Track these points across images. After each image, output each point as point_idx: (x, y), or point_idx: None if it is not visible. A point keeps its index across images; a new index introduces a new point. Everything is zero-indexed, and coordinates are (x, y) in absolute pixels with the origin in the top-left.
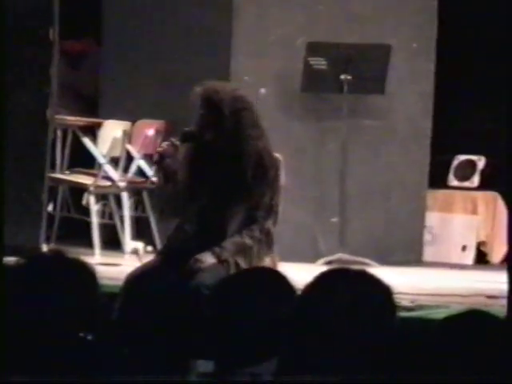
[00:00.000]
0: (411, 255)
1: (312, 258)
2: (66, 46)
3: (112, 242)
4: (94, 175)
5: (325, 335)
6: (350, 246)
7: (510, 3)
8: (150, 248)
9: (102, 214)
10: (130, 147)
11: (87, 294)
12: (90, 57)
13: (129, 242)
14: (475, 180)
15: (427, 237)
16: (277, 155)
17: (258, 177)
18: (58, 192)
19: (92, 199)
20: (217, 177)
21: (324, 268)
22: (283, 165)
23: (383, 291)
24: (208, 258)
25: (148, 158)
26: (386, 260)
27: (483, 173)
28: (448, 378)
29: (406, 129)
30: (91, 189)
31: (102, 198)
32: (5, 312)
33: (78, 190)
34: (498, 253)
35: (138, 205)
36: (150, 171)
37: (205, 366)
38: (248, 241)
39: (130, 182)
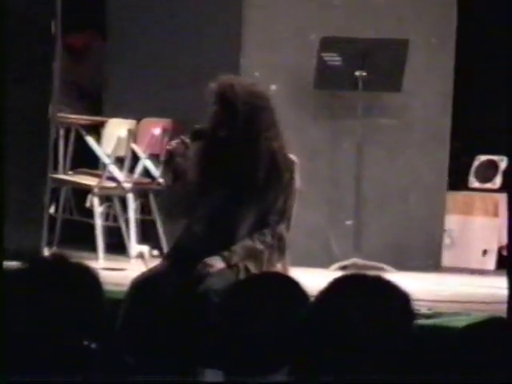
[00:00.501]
0: (429, 260)
1: (325, 263)
2: (68, 39)
3: (116, 246)
4: (98, 176)
5: (339, 344)
6: (366, 251)
7: None
8: (156, 252)
9: (107, 217)
10: (135, 147)
11: (90, 301)
12: (93, 51)
13: (134, 246)
14: (497, 181)
15: (446, 241)
16: (292, 157)
17: (271, 179)
18: (61, 193)
19: (96, 201)
20: (228, 177)
21: (338, 273)
22: (298, 167)
23: (401, 298)
24: (217, 263)
25: (154, 157)
26: (403, 265)
27: (505, 174)
28: None
29: (425, 128)
30: (95, 190)
31: (106, 199)
32: (5, 319)
33: (82, 192)
34: None
35: (143, 207)
36: (156, 172)
37: (213, 375)
38: (259, 246)
39: (135, 183)
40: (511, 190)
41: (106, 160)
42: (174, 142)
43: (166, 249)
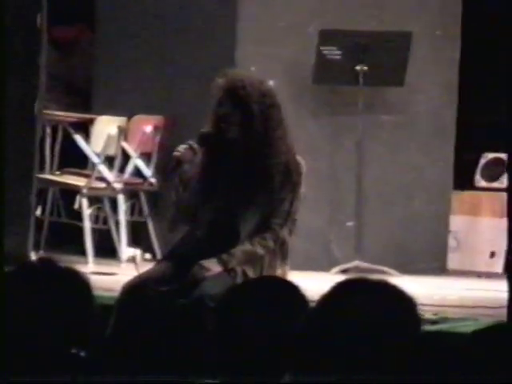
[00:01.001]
0: (434, 263)
1: (326, 267)
2: (55, 32)
3: (107, 250)
4: (87, 176)
5: (342, 351)
6: (368, 253)
7: None
8: (148, 255)
9: (96, 219)
10: (126, 145)
11: (80, 307)
12: (81, 45)
13: (125, 249)
14: (505, 180)
15: (452, 243)
16: (300, 159)
17: (281, 181)
18: (48, 194)
19: (85, 202)
20: (235, 180)
21: (339, 277)
22: (305, 170)
23: (406, 303)
24: (213, 266)
25: (146, 156)
26: (406, 268)
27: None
28: None
29: (428, 124)
30: (84, 191)
31: (95, 200)
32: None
33: (70, 193)
34: None
35: (134, 208)
36: (148, 171)
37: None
38: (259, 250)
39: (126, 184)
40: (511, 190)
41: (95, 159)
42: (181, 148)
43: (158, 252)
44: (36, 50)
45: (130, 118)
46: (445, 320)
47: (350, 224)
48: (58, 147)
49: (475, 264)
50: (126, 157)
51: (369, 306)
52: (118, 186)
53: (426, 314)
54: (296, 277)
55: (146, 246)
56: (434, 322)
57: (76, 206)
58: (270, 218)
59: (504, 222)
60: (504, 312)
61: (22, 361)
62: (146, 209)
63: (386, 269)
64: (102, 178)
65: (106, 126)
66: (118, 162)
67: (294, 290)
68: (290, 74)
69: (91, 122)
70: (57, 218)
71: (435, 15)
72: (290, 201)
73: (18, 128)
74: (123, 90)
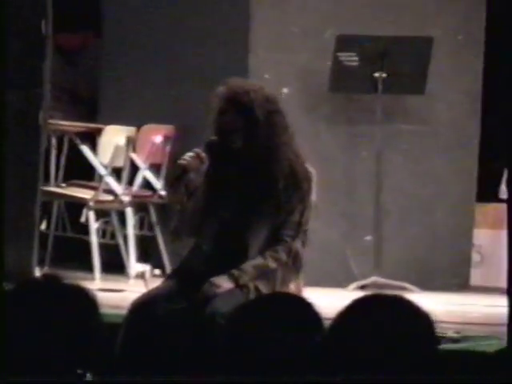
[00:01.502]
0: (457, 279)
1: (343, 283)
2: (60, 40)
3: (114, 265)
4: (94, 188)
5: (357, 368)
6: (387, 269)
7: None
8: (157, 271)
9: (103, 233)
10: (134, 156)
11: (86, 325)
12: (88, 52)
13: (134, 265)
14: None
15: (475, 257)
16: (309, 167)
17: (289, 190)
18: (53, 208)
19: (91, 216)
20: (242, 190)
21: (357, 294)
22: (316, 178)
23: (422, 320)
24: (224, 282)
25: (155, 168)
26: (427, 284)
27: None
28: None
29: (451, 134)
30: (90, 204)
31: (102, 214)
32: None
33: (76, 206)
34: None
35: (143, 222)
36: (157, 183)
37: None
38: (272, 264)
39: (134, 196)
40: (511, 203)
41: (102, 171)
42: (188, 156)
43: (168, 268)
44: (41, 57)
45: (138, 127)
46: (467, 338)
47: (367, 238)
48: (63, 158)
49: (500, 280)
50: (134, 168)
51: (384, 322)
52: (126, 198)
53: (448, 332)
54: (311, 293)
55: (156, 262)
56: (455, 341)
57: (82, 219)
58: (281, 230)
59: None
60: None
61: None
62: (155, 222)
63: (405, 285)
64: (109, 191)
65: (113, 136)
66: (126, 174)
67: (308, 307)
68: (304, 81)
69: (98, 132)
70: (62, 232)
71: (457, 19)
72: (301, 211)
73: (22, 138)
74: (131, 99)
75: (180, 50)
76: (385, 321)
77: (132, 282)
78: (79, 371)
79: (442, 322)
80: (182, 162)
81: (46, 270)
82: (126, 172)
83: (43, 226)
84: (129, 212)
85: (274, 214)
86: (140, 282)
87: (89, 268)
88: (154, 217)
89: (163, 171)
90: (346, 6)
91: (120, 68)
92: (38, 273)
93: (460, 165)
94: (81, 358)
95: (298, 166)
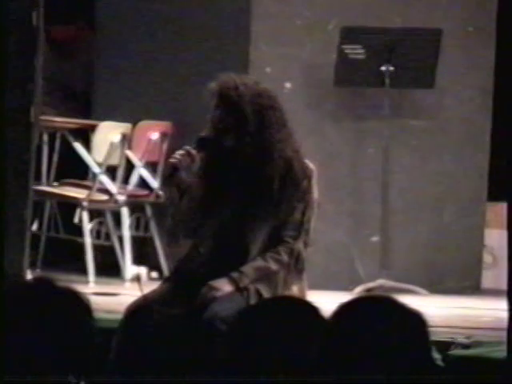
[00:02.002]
0: (467, 281)
1: (348, 285)
2: (52, 32)
3: (109, 268)
4: (88, 187)
5: (349, 373)
6: (394, 271)
7: None
8: (154, 274)
9: (98, 234)
10: (130, 154)
11: (79, 330)
12: (81, 45)
13: (129, 267)
14: None
15: (487, 259)
16: (309, 163)
17: (287, 189)
18: (45, 208)
19: (85, 216)
20: (238, 189)
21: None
22: (316, 174)
23: (414, 323)
24: (224, 286)
25: (152, 166)
26: (436, 287)
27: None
28: None
29: (461, 130)
30: (84, 204)
31: (97, 214)
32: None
33: (69, 206)
34: None
35: (139, 222)
36: (154, 182)
37: None
38: (273, 266)
39: (130, 196)
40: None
41: (96, 169)
42: (178, 154)
43: (165, 270)
44: (32, 50)
45: (134, 124)
46: (479, 344)
47: (374, 239)
48: (56, 156)
49: None
50: (130, 166)
51: (373, 326)
52: (121, 198)
53: (459, 337)
54: (315, 297)
55: (153, 264)
56: (466, 347)
57: (76, 220)
58: (282, 230)
59: None
60: None
61: None
62: (152, 223)
63: (414, 288)
64: (103, 190)
65: (108, 133)
66: (121, 172)
67: (312, 311)
68: (308, 75)
69: (92, 128)
70: (55, 233)
71: (467, 10)
72: (302, 210)
73: (13, 135)
74: (127, 94)
75: (178, 43)
76: (374, 324)
77: (127, 285)
78: (72, 379)
79: (452, 326)
80: (172, 160)
81: (38, 272)
82: (121, 170)
83: (35, 227)
84: (124, 212)
85: (272, 213)
86: (135, 286)
87: (82, 270)
88: (150, 217)
89: (160, 169)
90: None
91: (115, 61)
92: (29, 275)
93: (471, 162)
94: (74, 366)
95: (295, 164)
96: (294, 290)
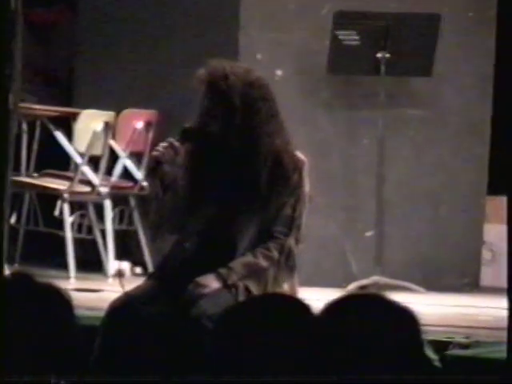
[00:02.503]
0: (466, 278)
1: (341, 282)
2: (32, 16)
3: (91, 262)
4: (69, 179)
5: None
6: (389, 267)
7: None
8: (138, 269)
9: (79, 228)
10: (113, 143)
11: (60, 328)
12: (62, 29)
13: (112, 262)
14: None
15: (486, 255)
16: (300, 155)
17: (276, 182)
18: (24, 200)
19: (66, 208)
20: (225, 183)
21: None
22: (307, 167)
23: (405, 320)
24: (212, 282)
25: (136, 156)
26: (433, 284)
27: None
28: None
29: (460, 120)
30: (65, 196)
31: (78, 207)
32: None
33: (49, 198)
34: None
35: (123, 215)
36: (138, 173)
37: None
38: (263, 262)
39: (113, 187)
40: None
41: (78, 159)
42: (160, 147)
43: (150, 265)
44: (10, 35)
45: (118, 112)
46: (477, 344)
47: (369, 234)
48: (35, 145)
49: None
50: (113, 157)
51: (362, 326)
52: (104, 190)
53: (457, 336)
54: (307, 294)
55: (137, 259)
56: (465, 346)
57: (56, 212)
58: (272, 226)
59: None
60: None
61: None
62: (136, 216)
63: (409, 285)
64: (86, 181)
65: (90, 122)
66: (104, 163)
67: (303, 309)
68: (300, 62)
69: (74, 116)
70: (34, 226)
71: None
72: (293, 204)
73: None
74: (110, 81)
75: (164, 27)
76: (363, 324)
77: (110, 280)
78: (52, 379)
79: (450, 325)
80: (154, 153)
81: (16, 267)
82: (104, 161)
83: (13, 220)
84: (107, 204)
85: (261, 208)
86: (119, 282)
87: (63, 265)
88: (134, 210)
89: (145, 160)
90: None
91: (97, 47)
92: (7, 271)
93: (470, 153)
94: (54, 365)
95: (285, 156)
96: (285, 288)
